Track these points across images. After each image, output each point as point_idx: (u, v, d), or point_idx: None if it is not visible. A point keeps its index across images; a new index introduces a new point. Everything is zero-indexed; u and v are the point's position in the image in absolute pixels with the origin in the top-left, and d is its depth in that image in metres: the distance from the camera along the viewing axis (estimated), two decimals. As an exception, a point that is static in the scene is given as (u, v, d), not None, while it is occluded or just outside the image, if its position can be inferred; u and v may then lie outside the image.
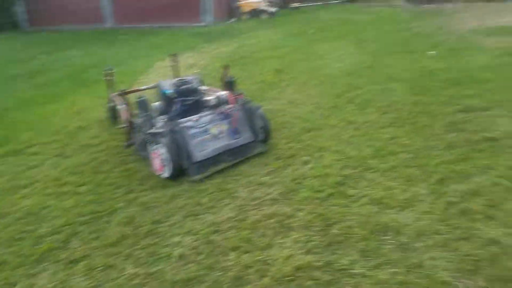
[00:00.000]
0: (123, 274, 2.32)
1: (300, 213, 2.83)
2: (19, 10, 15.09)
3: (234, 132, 3.70)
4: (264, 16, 13.43)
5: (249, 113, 3.79)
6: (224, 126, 3.68)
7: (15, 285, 2.31)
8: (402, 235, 2.52)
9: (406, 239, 2.49)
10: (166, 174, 3.39)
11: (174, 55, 5.23)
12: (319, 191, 3.07)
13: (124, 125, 3.99)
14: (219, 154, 3.53)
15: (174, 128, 3.43)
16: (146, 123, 3.64)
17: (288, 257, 2.40)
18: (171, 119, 3.61)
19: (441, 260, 2.30)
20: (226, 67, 4.26)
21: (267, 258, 2.41)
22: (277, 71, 6.75)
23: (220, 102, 3.84)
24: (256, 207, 2.94)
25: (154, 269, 2.35)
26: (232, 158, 3.56)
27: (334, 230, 2.61)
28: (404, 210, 2.78)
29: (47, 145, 4.37)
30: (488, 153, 3.42)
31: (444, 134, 3.84)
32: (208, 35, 10.96)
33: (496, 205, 2.74)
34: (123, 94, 4.12)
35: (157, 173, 3.47)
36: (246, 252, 2.49)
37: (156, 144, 3.45)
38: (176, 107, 3.75)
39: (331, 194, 3.03)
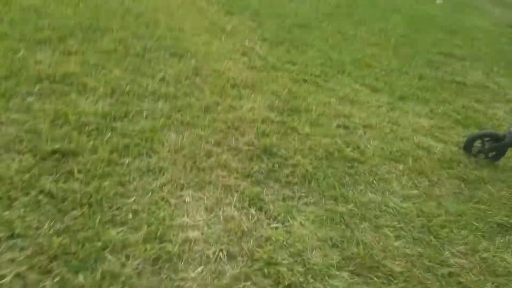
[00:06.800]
0: (112, 74, 2.73)
1: (272, 84, 3.27)
2: None
3: None
4: None
5: None
6: None
7: (18, 52, 2.69)
8: (350, 122, 3.02)
9: (351, 124, 3.00)
10: None
11: None
12: (295, 75, 3.50)
13: None
14: None
15: None
16: None
17: (251, 108, 2.88)
18: None
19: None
20: None
21: (235, 104, 2.87)
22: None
23: None
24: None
25: (139, 79, 2.77)
26: None
27: (295, 102, 3.08)
28: (360, 108, 3.27)
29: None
30: (451, 92, 3.90)
31: (419, 67, 4.29)
32: None
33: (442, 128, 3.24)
34: None
35: None
36: (220, 96, 2.93)
37: None
38: None
39: (304, 80, 3.47)
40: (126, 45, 3.18)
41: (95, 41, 3.12)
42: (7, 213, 1.61)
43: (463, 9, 7.07)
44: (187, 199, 1.96)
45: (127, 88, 2.66)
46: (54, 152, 1.98)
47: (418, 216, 2.21)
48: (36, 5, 3.43)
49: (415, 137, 2.99)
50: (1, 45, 2.76)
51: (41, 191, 1.75)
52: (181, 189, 2.01)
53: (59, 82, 2.54)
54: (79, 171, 1.91)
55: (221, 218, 1.90)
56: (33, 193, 1.74)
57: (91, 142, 2.11)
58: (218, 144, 2.44)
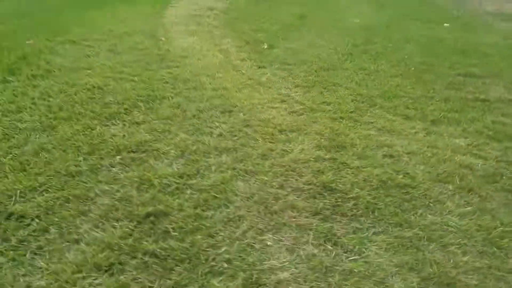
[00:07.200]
0: (177, 137, 2.90)
1: (314, 125, 3.38)
2: None
3: None
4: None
5: None
6: None
7: (94, 129, 2.90)
8: (393, 151, 3.07)
9: (395, 153, 3.04)
10: None
11: None
12: (332, 114, 3.60)
13: None
14: None
15: None
16: None
17: (302, 149, 2.97)
18: None
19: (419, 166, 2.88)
20: None
21: (287, 148, 2.98)
22: (300, 16, 7.19)
23: None
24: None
25: (200, 138, 2.92)
26: None
27: (339, 138, 3.16)
28: (399, 136, 3.32)
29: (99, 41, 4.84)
30: (478, 109, 3.89)
31: (442, 90, 4.33)
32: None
33: (478, 145, 3.23)
34: None
35: None
36: (271, 142, 3.05)
37: None
38: None
39: (342, 117, 3.56)
40: (182, 109, 3.38)
41: (156, 109, 3.33)
42: (122, 277, 1.72)
43: (470, 29, 7.11)
44: (269, 243, 2.04)
45: (194, 148, 2.81)
46: (148, 215, 2.11)
47: (478, 231, 2.22)
48: (99, 84, 3.70)
49: (456, 157, 3.00)
50: (80, 125, 3.00)
51: (145, 253, 1.87)
52: (261, 234, 2.09)
53: (135, 151, 2.72)
54: (173, 229, 2.02)
55: (303, 257, 1.95)
56: (139, 255, 1.85)
57: (176, 201, 2.24)
58: (281, 187, 2.53)
